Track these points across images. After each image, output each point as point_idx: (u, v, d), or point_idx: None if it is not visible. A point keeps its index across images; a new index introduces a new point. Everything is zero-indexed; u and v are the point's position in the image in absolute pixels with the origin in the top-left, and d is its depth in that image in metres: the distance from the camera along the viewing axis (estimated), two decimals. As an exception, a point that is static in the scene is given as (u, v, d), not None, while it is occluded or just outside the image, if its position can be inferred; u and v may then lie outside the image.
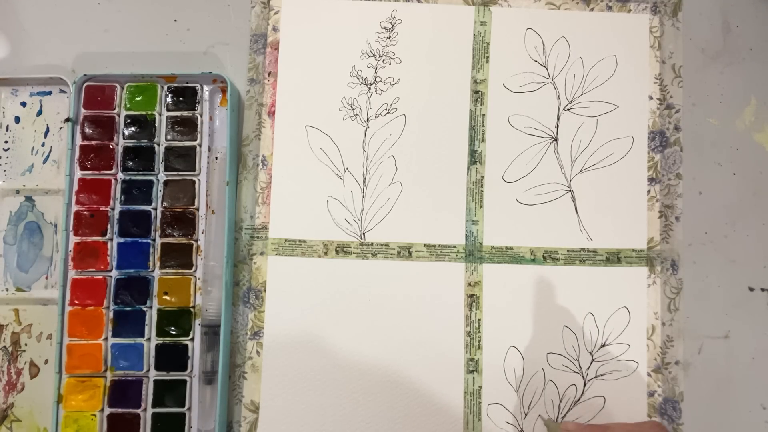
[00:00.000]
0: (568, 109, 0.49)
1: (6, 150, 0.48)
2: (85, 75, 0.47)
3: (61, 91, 0.49)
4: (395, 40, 0.49)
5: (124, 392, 0.45)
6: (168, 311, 0.46)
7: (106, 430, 0.45)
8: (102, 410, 0.45)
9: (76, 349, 0.45)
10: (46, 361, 0.47)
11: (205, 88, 0.48)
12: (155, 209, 0.47)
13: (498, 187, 0.48)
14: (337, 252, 0.48)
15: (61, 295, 0.46)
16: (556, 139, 0.49)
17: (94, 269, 0.46)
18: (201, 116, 0.47)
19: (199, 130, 0.47)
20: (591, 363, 0.47)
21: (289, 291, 0.47)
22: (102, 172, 0.47)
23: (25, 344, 0.47)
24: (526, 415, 0.46)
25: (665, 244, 0.48)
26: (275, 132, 0.48)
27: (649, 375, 0.47)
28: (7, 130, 0.49)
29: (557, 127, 0.49)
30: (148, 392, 0.45)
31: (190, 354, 0.46)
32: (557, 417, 0.46)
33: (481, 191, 0.48)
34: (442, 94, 0.49)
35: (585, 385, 0.47)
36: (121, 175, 0.47)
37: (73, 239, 0.46)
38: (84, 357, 0.45)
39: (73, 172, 0.47)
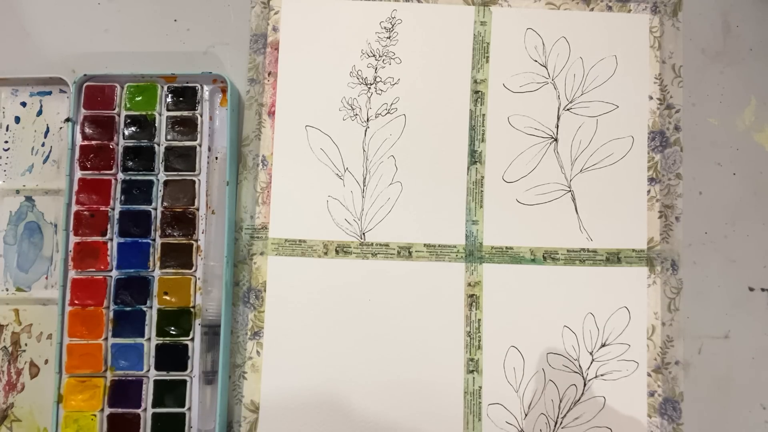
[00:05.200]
0: (568, 109, 0.49)
1: (6, 150, 0.48)
2: (85, 75, 0.47)
3: (61, 91, 0.49)
4: (395, 40, 0.49)
5: (124, 392, 0.45)
6: (168, 311, 0.46)
7: (106, 430, 0.45)
8: (102, 410, 0.45)
9: (76, 349, 0.45)
10: (46, 361, 0.47)
11: (205, 88, 0.48)
12: (155, 209, 0.47)
13: (498, 187, 0.48)
14: (337, 252, 0.48)
15: (61, 295, 0.46)
16: (556, 139, 0.49)
17: (94, 269, 0.46)
18: (201, 116, 0.47)
19: (199, 130, 0.47)
20: (591, 363, 0.47)
21: (289, 291, 0.47)
22: (102, 172, 0.47)
23: (25, 344, 0.47)
24: (526, 415, 0.46)
25: (665, 244, 0.48)
26: (275, 132, 0.48)
27: (649, 375, 0.47)
28: (7, 130, 0.49)
29: (557, 127, 0.49)
30: (148, 392, 0.45)
31: (190, 354, 0.46)
32: (557, 417, 0.46)
33: (481, 191, 0.48)
34: (442, 94, 0.49)
35: (585, 385, 0.47)
36: (121, 175, 0.47)
37: (73, 239, 0.46)
38: (84, 357, 0.45)
39: (73, 172, 0.47)
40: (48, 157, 0.48)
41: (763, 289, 0.48)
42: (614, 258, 0.48)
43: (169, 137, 0.47)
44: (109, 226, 0.46)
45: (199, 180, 0.47)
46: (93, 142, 0.47)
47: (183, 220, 0.47)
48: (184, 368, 0.45)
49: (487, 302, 0.47)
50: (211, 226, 0.47)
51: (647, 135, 0.49)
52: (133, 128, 0.47)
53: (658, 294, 0.48)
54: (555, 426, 0.46)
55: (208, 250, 0.46)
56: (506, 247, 0.48)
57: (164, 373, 0.45)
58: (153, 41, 0.50)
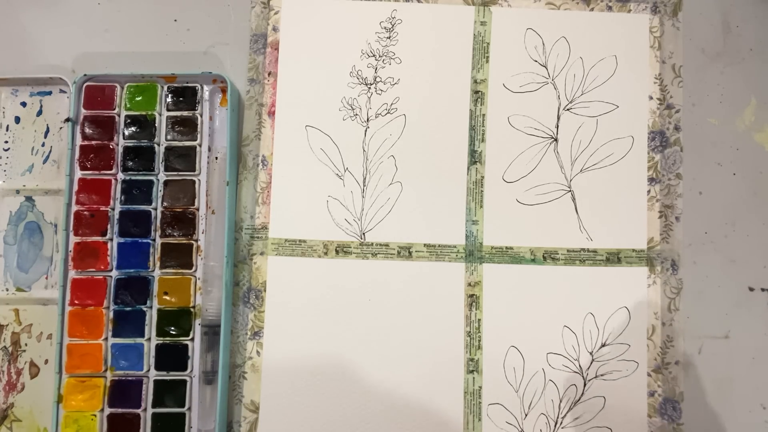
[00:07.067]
0: (568, 109, 0.49)
1: (6, 150, 0.48)
2: (85, 75, 0.47)
3: (61, 91, 0.49)
4: (395, 40, 0.49)
5: (124, 392, 0.45)
6: (168, 311, 0.46)
7: (106, 430, 0.45)
8: (102, 410, 0.45)
9: (76, 349, 0.45)
10: (46, 361, 0.47)
11: (205, 88, 0.48)
12: (155, 209, 0.47)
13: (498, 187, 0.48)
14: (337, 252, 0.48)
15: (61, 295, 0.46)
16: (556, 139, 0.49)
17: (94, 269, 0.46)
18: (201, 116, 0.47)
19: (199, 130, 0.47)
20: (591, 363, 0.47)
21: (289, 291, 0.47)
22: (102, 172, 0.47)
23: (25, 344, 0.47)
24: (526, 415, 0.46)
25: (665, 244, 0.48)
26: (275, 132, 0.48)
27: (649, 375, 0.47)
28: (7, 130, 0.49)
29: (557, 127, 0.49)
30: (148, 392, 0.45)
31: (190, 354, 0.46)
32: (557, 417, 0.46)
33: (481, 191, 0.48)
34: (442, 94, 0.49)
35: (585, 385, 0.47)
36: (121, 175, 0.47)
37: (73, 239, 0.46)
38: (84, 357, 0.45)
39: (73, 172, 0.47)
40: (48, 157, 0.48)
41: (763, 289, 0.48)
42: (614, 258, 0.48)
43: (169, 137, 0.47)
44: (109, 226, 0.46)
45: (199, 180, 0.47)
46: (93, 142, 0.47)
47: (183, 220, 0.47)
48: (184, 368, 0.45)
49: (487, 302, 0.47)
50: (211, 226, 0.47)
51: (647, 135, 0.49)
52: (133, 128, 0.47)
53: (658, 294, 0.48)
54: (555, 426, 0.46)
55: (208, 250, 0.46)
56: (506, 247, 0.48)
57: (164, 373, 0.45)
58: (153, 41, 0.50)
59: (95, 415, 0.45)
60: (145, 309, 0.46)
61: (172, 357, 0.45)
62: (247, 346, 0.47)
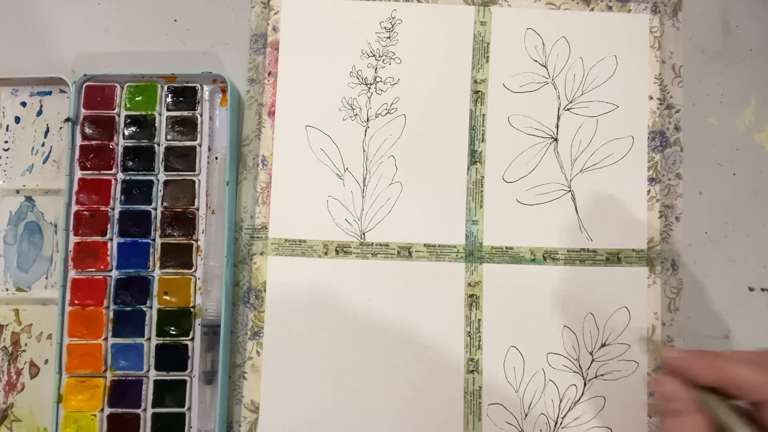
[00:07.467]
0: (568, 109, 0.49)
1: (6, 150, 0.48)
2: (85, 75, 0.47)
3: (61, 91, 0.49)
4: (395, 40, 0.49)
5: (124, 392, 0.45)
6: (168, 311, 0.46)
7: (106, 430, 0.45)
8: (102, 410, 0.45)
9: (76, 349, 0.45)
10: (46, 361, 0.47)
11: (205, 88, 0.48)
12: (155, 209, 0.47)
13: (498, 187, 0.48)
14: (337, 252, 0.48)
15: (61, 295, 0.46)
16: (556, 139, 0.49)
17: (94, 269, 0.46)
18: (201, 116, 0.47)
19: (199, 130, 0.47)
20: (591, 363, 0.47)
21: (289, 291, 0.47)
22: (102, 172, 0.47)
23: (25, 344, 0.47)
24: (526, 415, 0.46)
25: (665, 244, 0.48)
26: (275, 132, 0.48)
27: (649, 375, 0.47)
28: (7, 130, 0.49)
29: (557, 127, 0.49)
30: (148, 392, 0.45)
31: (190, 354, 0.46)
32: (557, 417, 0.46)
33: (481, 191, 0.48)
34: (442, 94, 0.49)
35: (585, 385, 0.47)
36: (121, 175, 0.47)
37: (73, 239, 0.46)
38: (84, 357, 0.45)
39: (73, 172, 0.47)
40: (48, 157, 0.48)
41: (763, 289, 0.48)
42: (614, 258, 0.48)
43: (169, 137, 0.47)
44: (109, 226, 0.46)
45: (199, 180, 0.47)
46: (93, 142, 0.47)
47: (183, 220, 0.47)
48: (184, 368, 0.45)
49: (487, 302, 0.47)
50: (211, 226, 0.47)
51: (647, 135, 0.49)
52: (133, 128, 0.47)
53: (658, 294, 0.48)
54: (555, 426, 0.46)
55: (208, 250, 0.46)
56: (506, 247, 0.48)
57: (164, 373, 0.45)
58: (153, 41, 0.50)
59: (95, 415, 0.45)
60: (145, 309, 0.46)
61: (172, 357, 0.45)
62: (247, 346, 0.47)
